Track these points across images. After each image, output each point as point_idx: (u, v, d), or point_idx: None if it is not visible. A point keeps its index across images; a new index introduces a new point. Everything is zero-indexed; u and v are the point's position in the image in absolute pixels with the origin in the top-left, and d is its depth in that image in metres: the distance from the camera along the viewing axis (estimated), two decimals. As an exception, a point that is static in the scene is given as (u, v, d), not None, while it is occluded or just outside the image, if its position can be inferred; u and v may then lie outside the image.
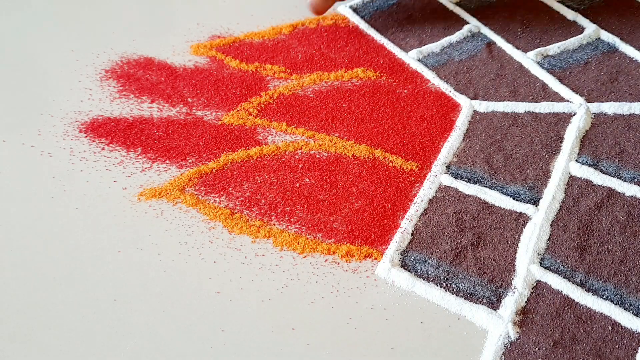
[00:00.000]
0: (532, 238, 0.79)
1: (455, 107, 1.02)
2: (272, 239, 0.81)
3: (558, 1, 1.18)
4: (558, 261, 0.77)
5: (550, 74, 1.04)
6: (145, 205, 0.85)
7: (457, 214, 0.82)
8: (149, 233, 0.81)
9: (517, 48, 1.11)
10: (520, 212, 0.82)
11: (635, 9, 1.15)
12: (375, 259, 0.78)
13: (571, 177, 0.86)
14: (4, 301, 0.73)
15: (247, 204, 0.85)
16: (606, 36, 1.09)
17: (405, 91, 1.05)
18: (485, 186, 0.86)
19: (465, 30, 1.15)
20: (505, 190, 0.85)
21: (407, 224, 0.82)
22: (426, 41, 1.14)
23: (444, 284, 0.75)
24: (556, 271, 0.76)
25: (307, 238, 0.81)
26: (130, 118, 0.98)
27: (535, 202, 0.83)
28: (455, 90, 1.04)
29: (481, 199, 0.84)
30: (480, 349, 0.69)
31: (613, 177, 0.85)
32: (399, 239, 0.80)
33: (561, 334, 0.70)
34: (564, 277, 0.75)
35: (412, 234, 0.81)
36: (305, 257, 0.79)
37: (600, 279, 0.74)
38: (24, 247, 0.79)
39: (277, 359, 0.68)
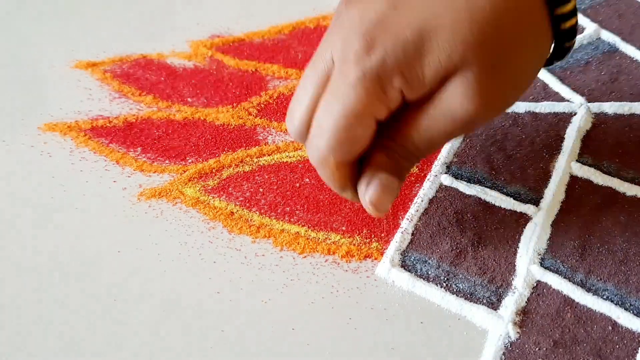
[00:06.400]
0: (533, 238, 0.78)
1: (455, 107, 1.01)
2: (272, 239, 0.81)
3: None
4: (558, 261, 0.77)
5: (550, 73, 1.04)
6: (145, 205, 0.85)
7: (458, 214, 0.82)
8: (149, 233, 0.81)
9: (518, 48, 1.11)
10: (521, 212, 0.82)
11: (635, 8, 1.15)
12: (375, 259, 0.78)
13: (572, 177, 0.86)
14: (3, 302, 0.73)
15: (247, 204, 0.85)
16: (606, 36, 1.09)
17: (406, 91, 1.05)
18: (485, 186, 0.86)
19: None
20: (505, 190, 0.85)
21: (407, 224, 0.82)
22: (426, 41, 1.14)
23: (444, 284, 0.75)
24: (556, 271, 0.76)
25: (307, 238, 0.81)
26: (130, 118, 0.98)
27: (536, 202, 0.83)
28: (455, 90, 1.04)
29: (481, 199, 0.84)
30: (480, 349, 0.69)
31: (614, 177, 0.85)
32: (399, 239, 0.80)
33: (561, 334, 0.70)
34: (564, 277, 0.75)
35: (412, 234, 0.80)
36: (305, 257, 0.79)
37: (601, 279, 0.74)
38: (23, 248, 0.79)
39: (277, 359, 0.68)
